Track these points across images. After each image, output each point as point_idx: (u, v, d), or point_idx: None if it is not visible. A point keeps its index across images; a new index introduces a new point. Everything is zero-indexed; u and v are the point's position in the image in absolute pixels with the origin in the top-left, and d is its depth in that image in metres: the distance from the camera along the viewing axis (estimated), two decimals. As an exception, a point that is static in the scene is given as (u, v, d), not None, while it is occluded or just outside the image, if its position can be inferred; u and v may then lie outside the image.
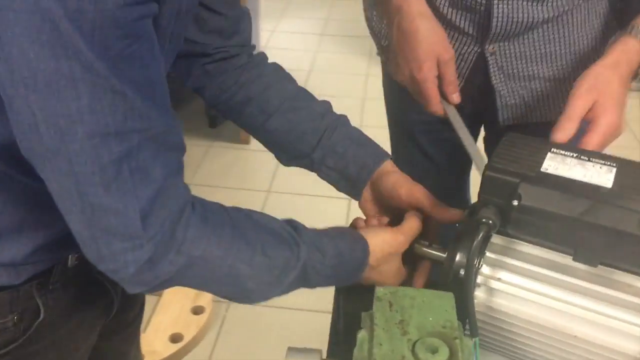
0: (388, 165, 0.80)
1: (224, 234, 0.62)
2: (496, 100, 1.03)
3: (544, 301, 0.60)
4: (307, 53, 3.71)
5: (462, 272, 0.62)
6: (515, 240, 0.63)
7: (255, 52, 0.87)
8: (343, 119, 0.84)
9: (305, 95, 0.86)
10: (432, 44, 0.89)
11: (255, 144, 2.74)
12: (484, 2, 0.94)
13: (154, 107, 0.54)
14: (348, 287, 0.74)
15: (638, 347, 0.57)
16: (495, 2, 0.92)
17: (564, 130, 0.75)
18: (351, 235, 0.72)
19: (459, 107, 0.91)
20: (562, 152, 0.64)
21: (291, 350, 0.58)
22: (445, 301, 0.54)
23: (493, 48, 0.99)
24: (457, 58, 0.99)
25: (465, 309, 0.58)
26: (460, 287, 0.61)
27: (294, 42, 3.85)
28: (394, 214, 0.79)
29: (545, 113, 1.04)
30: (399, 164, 0.82)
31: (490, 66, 1.00)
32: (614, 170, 0.61)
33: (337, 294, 0.79)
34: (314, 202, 2.28)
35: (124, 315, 0.89)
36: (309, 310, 1.85)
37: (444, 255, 0.68)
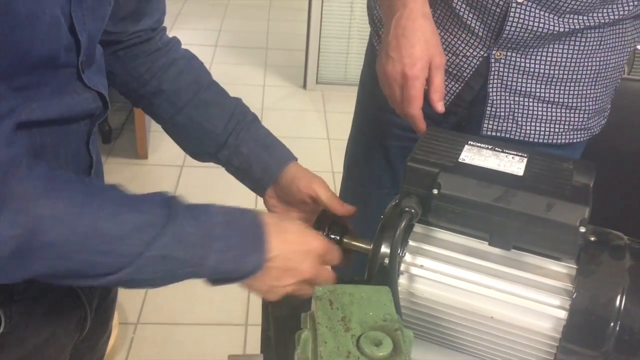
0: (293, 168, 0.82)
1: (77, 189, 0.55)
2: (485, 108, 1.02)
3: (462, 285, 0.63)
4: None
5: (386, 261, 0.65)
6: (436, 228, 0.65)
7: (168, 37, 0.87)
8: (251, 118, 0.85)
9: (216, 89, 0.86)
10: (429, 46, 0.87)
11: (153, 158, 2.75)
12: (501, 3, 0.92)
13: None
14: (277, 308, 0.74)
15: (550, 324, 0.61)
16: (514, 5, 0.91)
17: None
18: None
19: (445, 115, 0.91)
20: (478, 144, 0.67)
21: (231, 357, 0.58)
22: (382, 295, 0.55)
23: (500, 54, 0.98)
24: (461, 60, 1.00)
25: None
26: (385, 276, 0.63)
27: None
28: (295, 207, 0.82)
29: (528, 133, 1.03)
30: (353, 165, 0.83)
31: (492, 72, 0.99)
32: (525, 160, 0.65)
33: (264, 301, 0.79)
34: None
35: (94, 336, 0.84)
36: (220, 325, 1.83)
37: (370, 247, 0.70)
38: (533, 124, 1.02)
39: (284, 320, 0.80)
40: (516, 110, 1.01)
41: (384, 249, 0.66)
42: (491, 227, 0.61)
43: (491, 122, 1.02)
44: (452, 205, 0.62)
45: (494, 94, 1.00)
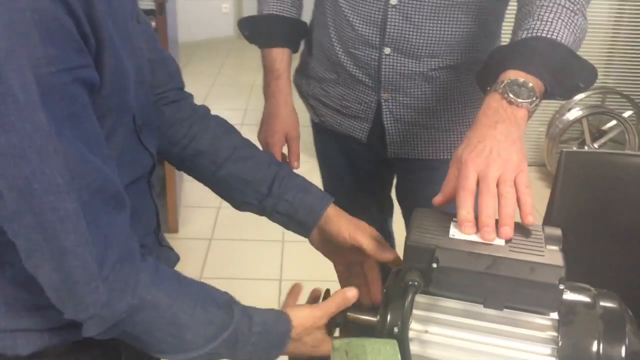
0: (332, 209, 0.93)
1: (172, 285, 0.71)
2: (385, 137, 1.32)
3: (464, 345, 0.72)
4: None
5: (395, 329, 0.73)
6: (437, 297, 0.75)
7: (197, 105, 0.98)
8: (286, 168, 0.96)
9: (250, 145, 0.97)
10: (285, 124, 1.35)
11: (184, 232, 2.80)
12: (376, 57, 1.25)
13: (94, 161, 0.62)
14: None
15: (543, 371, 0.70)
16: (384, 56, 1.24)
17: (467, 207, 0.77)
18: (274, 310, 0.81)
19: (363, 143, 1.36)
20: (461, 220, 0.78)
21: None
22: (390, 347, 0.65)
23: (386, 95, 1.28)
24: (364, 106, 1.33)
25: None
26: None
27: None
28: (341, 252, 0.93)
29: (424, 152, 1.34)
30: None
31: (383, 110, 1.30)
32: (504, 231, 0.76)
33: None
34: (246, 285, 2.34)
35: None
36: None
37: (375, 319, 0.79)
38: (420, 145, 1.33)
39: None
40: (408, 136, 1.33)
41: (391, 319, 0.74)
42: (485, 291, 0.71)
43: (392, 148, 1.35)
44: (450, 275, 0.72)
45: (389, 125, 1.32)
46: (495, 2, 1.23)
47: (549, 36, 0.94)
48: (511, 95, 0.85)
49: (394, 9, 1.20)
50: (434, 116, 1.30)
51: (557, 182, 1.38)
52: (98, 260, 0.63)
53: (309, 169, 1.37)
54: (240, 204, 0.96)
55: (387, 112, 1.30)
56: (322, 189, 1.35)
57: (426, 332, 0.73)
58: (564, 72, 0.93)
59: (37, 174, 0.58)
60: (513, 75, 0.88)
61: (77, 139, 0.60)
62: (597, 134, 3.39)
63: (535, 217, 0.78)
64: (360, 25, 1.24)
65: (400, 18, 1.20)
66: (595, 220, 1.42)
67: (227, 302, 0.75)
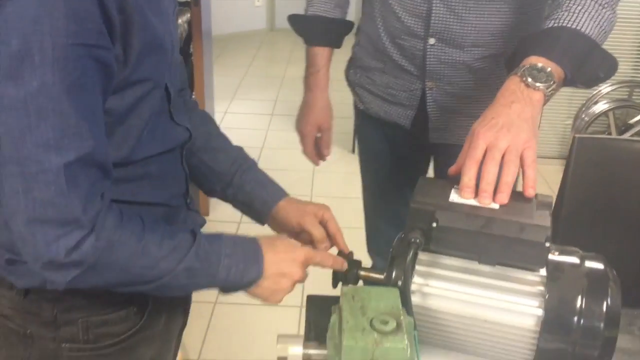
0: (285, 202, 1.04)
1: (137, 225, 0.79)
2: (428, 124, 1.40)
3: (461, 297, 0.80)
4: (259, 132, 4.03)
5: (399, 283, 0.82)
6: (437, 254, 0.83)
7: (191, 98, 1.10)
8: (251, 163, 1.07)
9: (223, 140, 1.08)
10: (319, 116, 1.49)
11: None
12: (421, 48, 1.32)
13: (87, 129, 0.71)
14: (315, 304, 0.92)
15: (532, 321, 0.78)
16: (428, 47, 1.30)
17: (470, 175, 0.85)
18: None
19: (406, 129, 1.44)
20: (462, 188, 0.86)
21: (281, 336, 0.75)
22: (392, 293, 0.74)
23: (431, 84, 1.35)
24: (407, 93, 1.40)
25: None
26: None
27: (245, 122, 4.17)
28: (296, 237, 1.03)
29: (461, 139, 1.30)
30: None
31: (427, 97, 1.37)
32: (499, 197, 0.84)
33: (307, 311, 0.97)
34: (261, 311, 2.36)
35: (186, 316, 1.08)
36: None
37: (382, 276, 0.88)
38: (461, 131, 1.36)
39: (320, 325, 0.95)
40: (449, 123, 1.39)
41: (397, 274, 0.83)
42: (479, 249, 0.80)
43: (433, 134, 1.42)
44: (448, 234, 0.80)
45: (432, 113, 1.39)
46: None
47: (573, 27, 1.01)
48: (529, 79, 0.93)
49: (438, 2, 1.25)
50: (476, 104, 1.34)
51: (569, 167, 1.45)
52: (74, 212, 0.70)
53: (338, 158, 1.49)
54: (207, 191, 1.08)
55: (431, 100, 1.37)
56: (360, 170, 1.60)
57: (427, 285, 0.82)
58: (585, 61, 1.00)
59: (32, 128, 0.67)
60: (534, 60, 0.94)
61: (77, 107, 0.69)
62: (623, 128, 3.40)
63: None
64: (406, 17, 1.31)
65: (444, 10, 1.26)
66: (606, 203, 1.48)
67: (191, 230, 0.84)
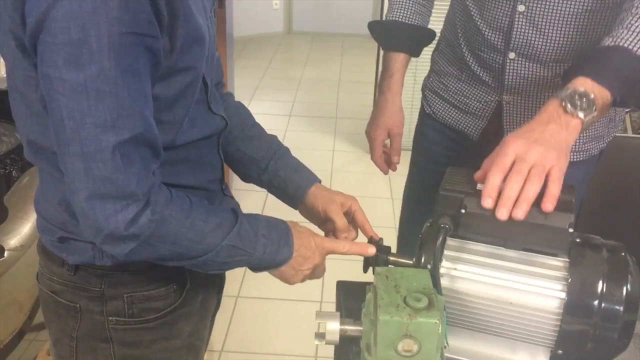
0: (315, 187, 1.10)
1: (185, 202, 0.85)
2: (500, 136, 1.26)
3: (487, 280, 0.84)
4: (277, 132, 4.10)
5: (429, 266, 0.86)
6: (465, 240, 0.88)
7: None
8: (285, 150, 1.13)
9: (258, 129, 1.15)
10: (390, 120, 1.45)
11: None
12: (500, 60, 1.29)
13: (141, 110, 0.77)
14: (346, 288, 0.97)
15: (555, 304, 0.82)
16: (508, 61, 1.28)
17: (493, 183, 0.84)
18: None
19: (471, 139, 1.39)
20: (488, 178, 0.91)
21: (319, 313, 0.80)
22: (423, 274, 0.79)
23: (509, 98, 1.32)
24: (481, 104, 1.38)
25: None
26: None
27: (264, 122, 4.21)
28: (321, 223, 1.10)
29: None
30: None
31: (504, 112, 1.34)
32: (524, 186, 0.88)
33: (338, 294, 1.01)
34: (282, 306, 2.46)
35: (220, 297, 1.17)
36: (294, 356, 2.13)
37: (411, 261, 0.92)
38: None
39: (350, 309, 0.96)
40: None
41: (426, 259, 0.88)
42: (505, 235, 0.84)
43: None
44: (476, 220, 0.85)
45: (508, 127, 1.35)
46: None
47: (629, 47, 0.95)
48: (569, 105, 0.90)
49: (521, 16, 1.23)
50: None
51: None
52: (130, 187, 0.76)
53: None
54: (244, 177, 1.15)
55: (507, 114, 1.34)
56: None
57: (455, 269, 0.86)
58: (637, 83, 0.95)
59: (91, 109, 0.73)
60: (580, 83, 0.91)
61: (130, 90, 0.75)
62: (639, 129, 3.42)
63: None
64: (487, 30, 1.29)
65: (527, 25, 1.23)
66: (627, 199, 1.51)
67: (232, 209, 0.91)
